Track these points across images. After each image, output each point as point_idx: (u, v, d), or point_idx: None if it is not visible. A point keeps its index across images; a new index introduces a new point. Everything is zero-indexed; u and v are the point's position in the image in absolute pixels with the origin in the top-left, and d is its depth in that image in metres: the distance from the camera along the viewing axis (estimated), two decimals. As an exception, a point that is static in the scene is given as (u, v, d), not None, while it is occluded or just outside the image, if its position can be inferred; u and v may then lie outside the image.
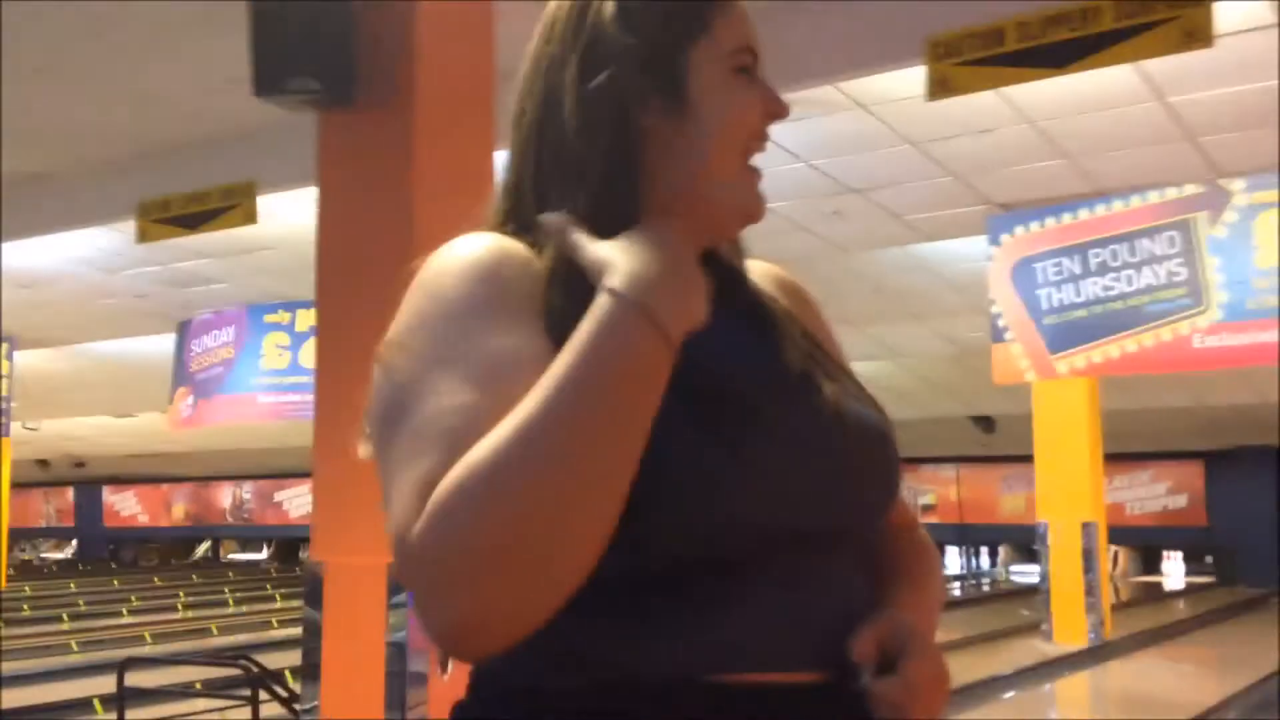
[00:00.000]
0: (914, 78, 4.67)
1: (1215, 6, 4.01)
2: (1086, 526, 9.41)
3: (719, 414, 0.85)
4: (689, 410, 0.83)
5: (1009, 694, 7.44)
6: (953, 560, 19.20)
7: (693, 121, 0.91)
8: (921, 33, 4.51)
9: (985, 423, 16.39)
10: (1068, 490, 9.55)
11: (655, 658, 0.83)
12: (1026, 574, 16.46)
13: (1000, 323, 7.39)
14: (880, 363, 12.75)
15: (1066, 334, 7.11)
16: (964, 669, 7.26)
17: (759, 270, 1.04)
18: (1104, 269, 6.98)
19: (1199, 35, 4.05)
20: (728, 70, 0.93)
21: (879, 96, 5.89)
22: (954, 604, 15.18)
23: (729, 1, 0.94)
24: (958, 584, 17.89)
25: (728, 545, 0.85)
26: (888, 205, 7.87)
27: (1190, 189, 6.70)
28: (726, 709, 0.82)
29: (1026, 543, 14.96)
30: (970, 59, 4.51)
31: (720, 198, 0.93)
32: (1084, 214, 7.09)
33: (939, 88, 4.57)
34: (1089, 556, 9.35)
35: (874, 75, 5.36)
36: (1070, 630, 9.27)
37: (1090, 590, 9.31)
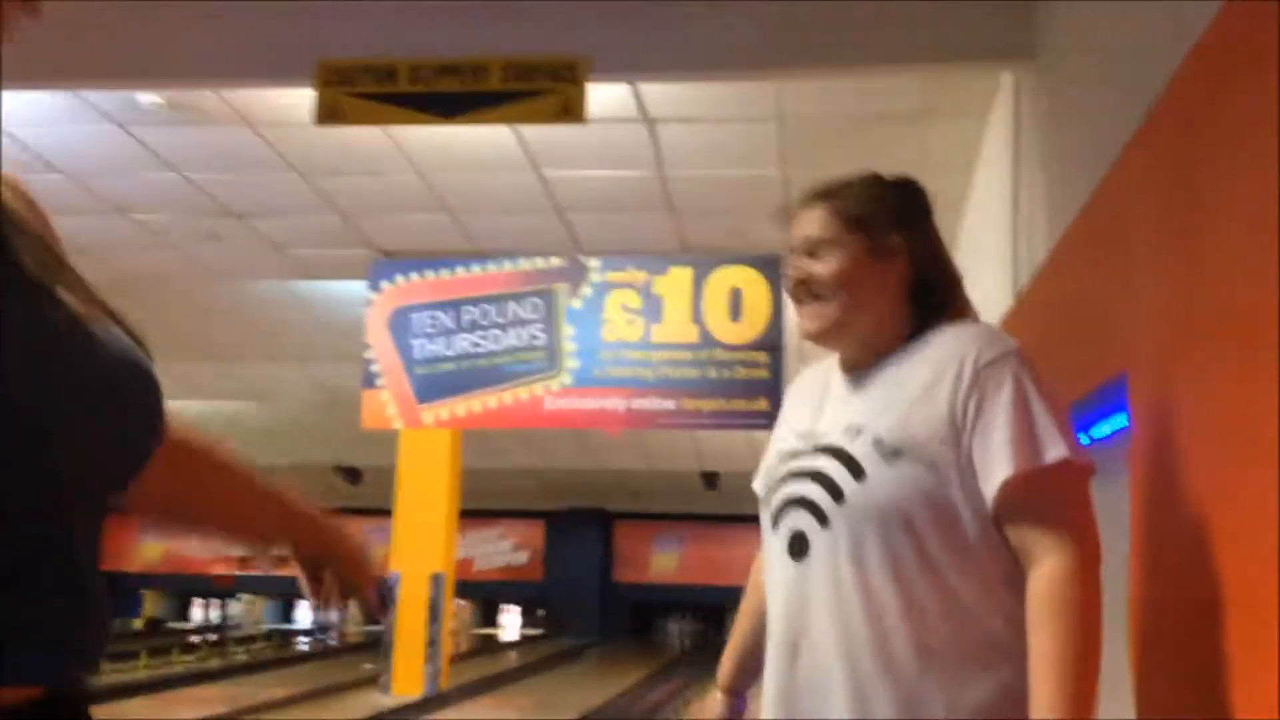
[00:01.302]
0: (303, 101, 4.47)
1: (590, 87, 4.30)
2: (436, 578, 9.62)
3: None
4: None
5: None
6: (305, 614, 18.87)
7: None
8: (314, 54, 4.34)
9: (351, 474, 16.37)
10: (422, 542, 9.72)
11: None
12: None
13: (373, 369, 7.35)
14: (245, 403, 12.19)
15: (434, 386, 7.24)
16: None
17: None
18: (474, 326, 7.22)
19: (572, 111, 4.32)
20: None
21: (267, 116, 5.61)
22: (301, 658, 14.88)
23: None
24: (306, 639, 17.63)
25: None
26: (269, 235, 7.55)
27: (556, 261, 7.18)
28: None
29: (382, 594, 15.11)
30: (362, 91, 4.42)
31: None
32: (461, 271, 7.31)
33: (327, 114, 4.42)
34: (435, 608, 9.57)
35: (260, 90, 5.09)
36: (408, 681, 9.39)
37: (432, 641, 9.52)
